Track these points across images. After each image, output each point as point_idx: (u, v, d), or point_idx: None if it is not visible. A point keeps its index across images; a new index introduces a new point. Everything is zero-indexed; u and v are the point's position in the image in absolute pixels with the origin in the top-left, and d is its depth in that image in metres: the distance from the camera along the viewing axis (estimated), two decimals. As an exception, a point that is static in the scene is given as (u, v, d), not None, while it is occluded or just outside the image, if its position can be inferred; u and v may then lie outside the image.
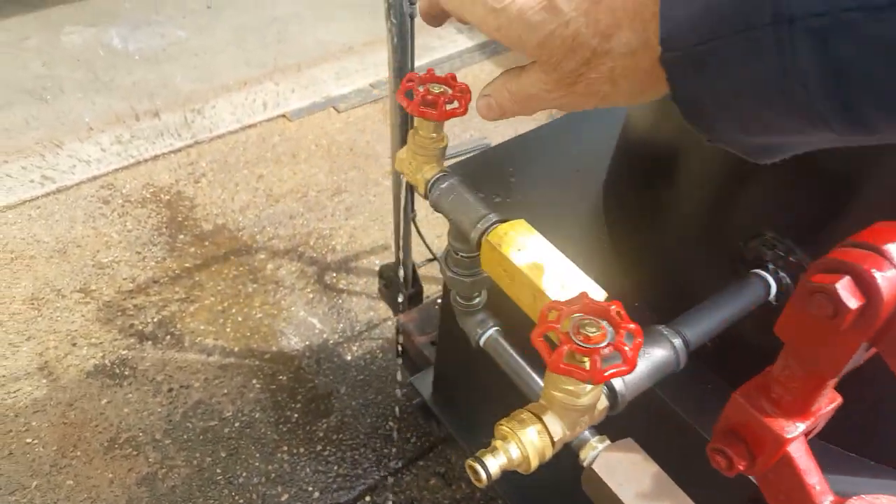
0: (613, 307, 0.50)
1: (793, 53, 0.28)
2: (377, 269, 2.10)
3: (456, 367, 1.33)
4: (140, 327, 1.88)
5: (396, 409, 1.76)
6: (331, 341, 1.90)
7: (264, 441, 1.67)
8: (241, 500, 1.57)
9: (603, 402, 0.56)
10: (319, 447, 1.67)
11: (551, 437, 0.53)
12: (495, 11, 0.40)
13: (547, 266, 0.65)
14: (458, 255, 0.77)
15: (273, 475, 1.61)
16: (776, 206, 0.69)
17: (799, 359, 0.43)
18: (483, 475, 0.52)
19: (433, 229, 2.21)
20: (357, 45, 2.92)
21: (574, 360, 0.48)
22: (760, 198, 0.70)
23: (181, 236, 2.13)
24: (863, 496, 0.49)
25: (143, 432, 1.66)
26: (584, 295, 0.51)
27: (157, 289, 1.98)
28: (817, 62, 0.28)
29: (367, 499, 1.59)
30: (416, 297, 1.67)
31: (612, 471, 0.70)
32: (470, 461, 0.52)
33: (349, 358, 1.87)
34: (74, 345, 1.82)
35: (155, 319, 1.90)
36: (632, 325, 0.49)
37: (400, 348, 1.62)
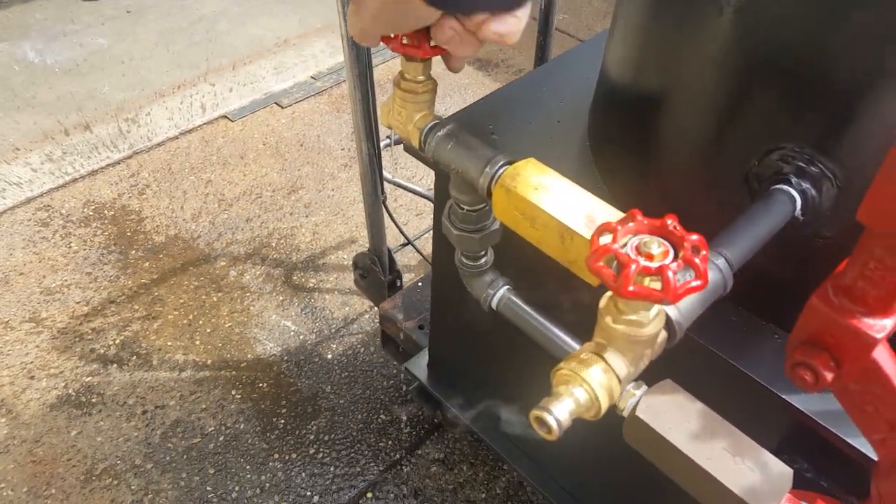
0: (670, 221, 0.46)
1: None
2: (346, 263, 2.03)
3: (453, 343, 1.28)
4: (102, 351, 1.75)
5: (386, 400, 1.70)
6: (308, 342, 1.82)
7: (253, 452, 1.59)
8: (237, 516, 1.48)
9: (662, 334, 0.52)
10: (312, 450, 1.60)
11: (617, 375, 0.49)
12: None
13: (568, 202, 0.61)
14: (463, 209, 0.72)
15: (268, 485, 1.53)
16: (791, 117, 0.66)
17: (892, 241, 0.40)
18: (554, 425, 0.47)
19: (401, 216, 2.15)
20: (292, 38, 2.81)
21: (642, 283, 0.44)
22: (773, 110, 0.67)
23: (133, 252, 2.00)
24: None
25: (122, 460, 1.55)
26: (634, 213, 0.47)
27: (114, 309, 1.85)
28: None
29: (369, 495, 1.53)
30: (394, 283, 1.61)
31: (658, 415, 0.66)
32: (535, 412, 0.48)
33: (330, 357, 1.79)
34: (32, 378, 1.69)
35: (117, 341, 1.78)
36: (694, 237, 0.45)
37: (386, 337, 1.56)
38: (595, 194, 0.63)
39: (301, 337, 1.83)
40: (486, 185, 0.66)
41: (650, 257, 0.44)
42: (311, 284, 1.96)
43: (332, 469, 1.57)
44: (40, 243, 2.01)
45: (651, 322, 0.48)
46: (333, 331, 1.85)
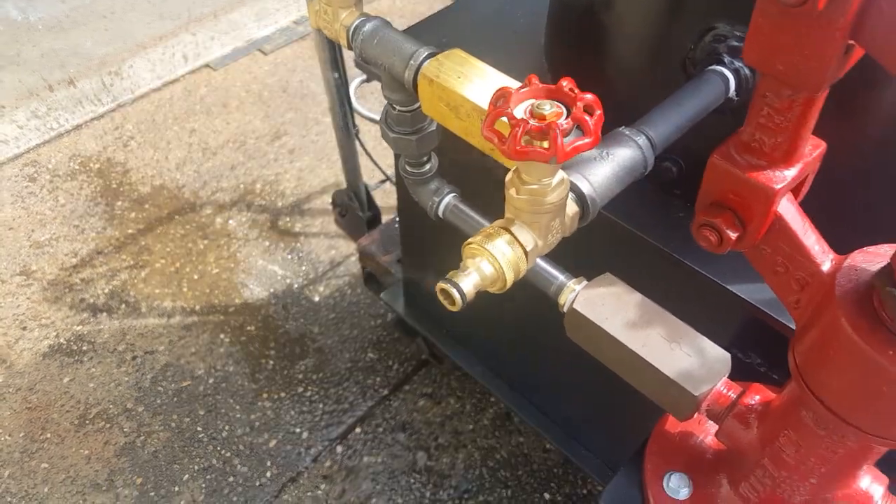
0: (565, 83, 0.44)
1: None
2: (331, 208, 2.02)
3: (425, 270, 1.27)
4: (91, 300, 1.77)
5: (374, 338, 1.71)
6: (295, 285, 1.83)
7: (242, 392, 1.61)
8: (228, 453, 1.51)
9: (573, 208, 0.50)
10: (301, 389, 1.62)
11: (523, 247, 0.48)
12: None
13: (491, 89, 0.59)
14: (396, 109, 0.70)
15: (257, 423, 1.56)
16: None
17: (777, 79, 0.38)
18: (457, 296, 0.46)
19: (386, 159, 2.12)
20: (274, -16, 2.75)
21: (532, 144, 0.42)
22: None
23: (119, 203, 2.01)
24: (865, 249, 0.44)
25: (114, 404, 1.58)
26: (531, 78, 0.45)
27: (102, 259, 1.87)
28: None
29: (358, 430, 1.55)
30: (374, 220, 1.60)
31: (595, 307, 0.65)
32: (441, 284, 0.47)
33: (317, 299, 1.80)
34: (24, 329, 1.72)
35: (106, 290, 1.80)
36: (588, 96, 0.43)
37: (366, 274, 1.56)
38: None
39: (288, 280, 1.84)
40: (412, 78, 0.64)
41: (542, 118, 0.42)
42: (297, 229, 1.95)
43: (320, 406, 1.59)
44: (28, 198, 2.02)
45: (554, 190, 0.46)
46: (320, 274, 1.86)
